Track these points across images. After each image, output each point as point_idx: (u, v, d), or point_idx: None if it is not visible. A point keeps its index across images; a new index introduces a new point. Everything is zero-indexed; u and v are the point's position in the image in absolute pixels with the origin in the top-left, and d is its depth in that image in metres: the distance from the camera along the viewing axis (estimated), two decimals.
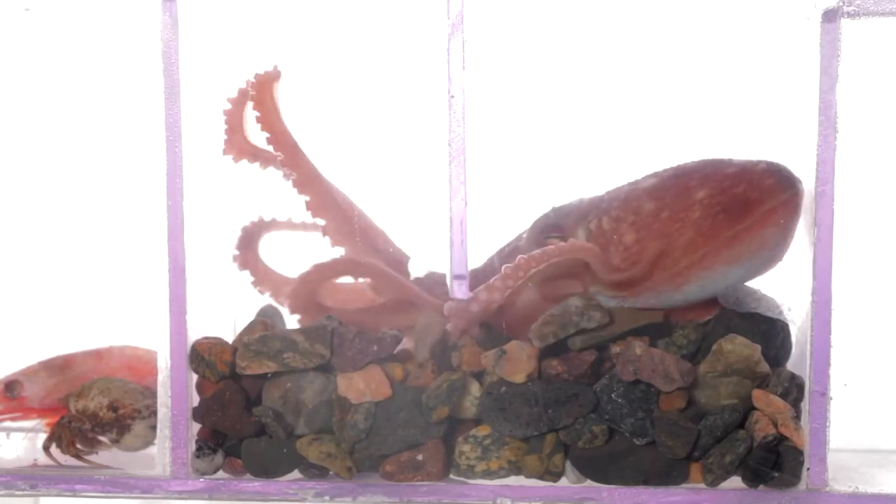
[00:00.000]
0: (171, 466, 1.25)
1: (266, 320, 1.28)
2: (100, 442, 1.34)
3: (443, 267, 1.25)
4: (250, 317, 1.30)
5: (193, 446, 1.25)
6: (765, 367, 1.18)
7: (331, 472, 1.23)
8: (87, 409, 1.32)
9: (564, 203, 1.29)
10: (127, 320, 1.46)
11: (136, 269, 1.39)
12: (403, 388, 1.21)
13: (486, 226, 1.26)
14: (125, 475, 1.26)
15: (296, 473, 1.24)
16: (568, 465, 1.20)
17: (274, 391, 1.24)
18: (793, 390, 1.18)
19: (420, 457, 1.21)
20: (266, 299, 1.42)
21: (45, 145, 1.56)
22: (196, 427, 1.26)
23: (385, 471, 1.22)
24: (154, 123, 1.23)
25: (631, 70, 1.39)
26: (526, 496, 1.19)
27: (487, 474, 1.21)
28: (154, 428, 1.30)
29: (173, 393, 1.25)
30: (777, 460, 1.16)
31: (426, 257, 1.36)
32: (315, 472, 1.23)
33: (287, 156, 1.31)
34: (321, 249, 1.33)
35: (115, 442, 1.33)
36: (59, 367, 1.40)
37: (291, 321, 1.32)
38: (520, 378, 1.19)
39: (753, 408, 1.18)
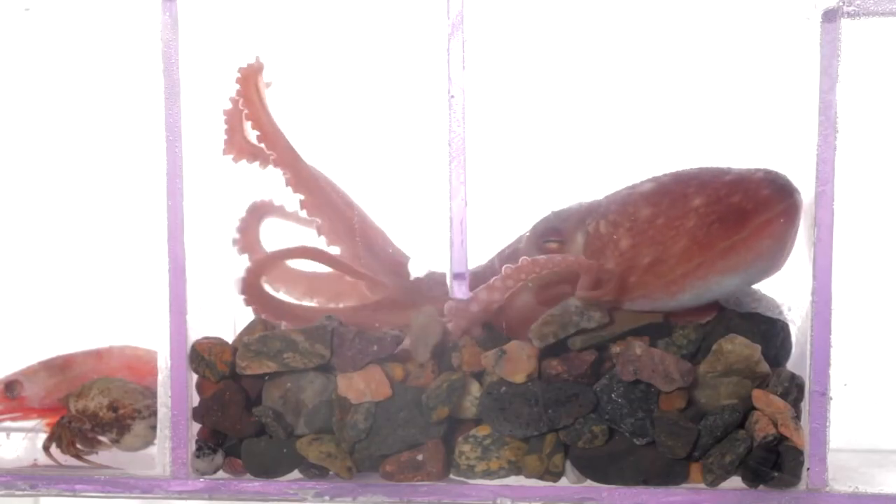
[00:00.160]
0: (171, 466, 1.25)
1: (266, 320, 1.28)
2: (100, 442, 1.34)
3: (443, 267, 1.25)
4: (250, 317, 1.30)
5: (193, 446, 1.25)
6: (765, 367, 1.18)
7: (331, 472, 1.23)
8: (87, 409, 1.32)
9: (564, 207, 1.29)
10: (127, 320, 1.46)
11: (136, 269, 1.38)
12: (403, 388, 1.21)
13: (486, 226, 1.26)
14: (125, 475, 1.26)
15: (296, 473, 1.24)
16: (568, 465, 1.20)
17: (274, 391, 1.24)
18: (793, 390, 1.18)
19: (420, 457, 1.21)
20: None
21: (46, 145, 1.56)
22: (196, 427, 1.26)
23: (385, 471, 1.22)
24: (154, 123, 1.23)
25: (631, 69, 1.39)
26: (526, 496, 1.19)
27: (487, 474, 1.21)
28: (154, 428, 1.30)
29: (173, 393, 1.25)
30: (777, 460, 1.16)
31: (426, 257, 1.36)
32: (315, 472, 1.23)
33: (278, 154, 1.32)
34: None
35: (115, 442, 1.33)
36: (59, 367, 1.40)
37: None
38: (520, 378, 1.19)
39: (753, 408, 1.18)
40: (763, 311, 1.22)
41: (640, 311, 1.21)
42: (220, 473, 1.26)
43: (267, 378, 1.25)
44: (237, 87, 1.31)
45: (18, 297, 1.58)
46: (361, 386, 1.21)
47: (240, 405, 1.24)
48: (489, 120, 1.26)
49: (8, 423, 1.40)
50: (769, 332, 1.20)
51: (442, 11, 1.18)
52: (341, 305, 1.43)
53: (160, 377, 1.25)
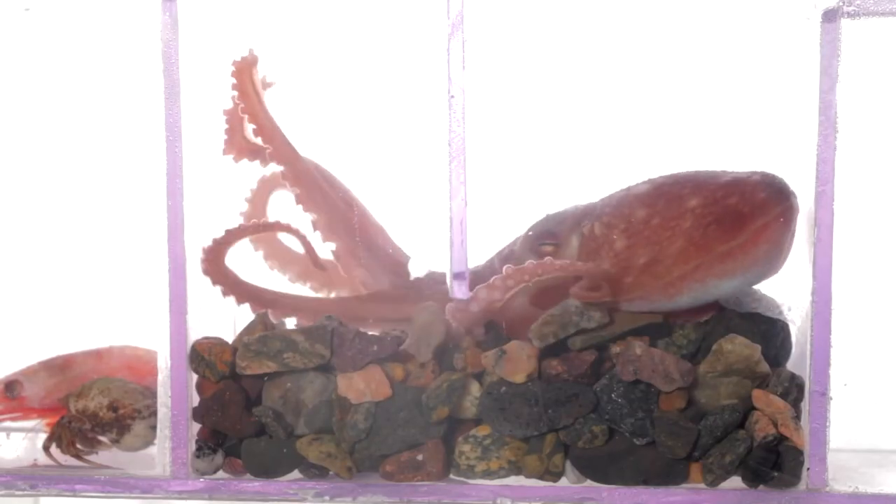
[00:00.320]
0: (171, 466, 1.25)
1: (266, 320, 1.28)
2: (100, 442, 1.34)
3: (443, 267, 1.25)
4: (250, 317, 1.29)
5: (193, 446, 1.25)
6: (765, 367, 1.18)
7: (331, 472, 1.23)
8: (87, 409, 1.32)
9: (560, 210, 1.29)
10: (127, 320, 1.46)
11: (136, 269, 1.38)
12: (403, 388, 1.21)
13: (486, 226, 1.26)
14: (125, 475, 1.26)
15: (296, 473, 1.24)
16: (568, 465, 1.20)
17: (274, 391, 1.24)
18: (793, 390, 1.18)
19: (420, 457, 1.21)
20: None
21: (46, 145, 1.56)
22: (196, 427, 1.26)
23: (385, 471, 1.22)
24: (154, 123, 1.23)
25: (631, 69, 1.39)
26: (526, 496, 1.19)
27: (487, 474, 1.21)
28: (154, 428, 1.30)
29: (173, 393, 1.25)
30: (777, 460, 1.16)
31: (426, 257, 1.36)
32: (315, 472, 1.23)
33: (274, 147, 1.32)
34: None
35: (115, 442, 1.33)
36: (59, 367, 1.40)
37: (291, 321, 1.32)
38: (520, 378, 1.19)
39: (753, 408, 1.18)
40: (763, 311, 1.22)
41: (640, 312, 1.21)
42: (220, 473, 1.26)
43: (267, 378, 1.25)
44: (232, 80, 1.31)
45: (18, 297, 1.58)
46: (361, 386, 1.21)
47: (240, 405, 1.24)
48: (489, 120, 1.26)
49: (8, 423, 1.40)
50: (769, 332, 1.20)
51: (442, 11, 1.18)
52: (332, 295, 1.43)
53: (160, 377, 1.25)
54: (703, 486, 1.18)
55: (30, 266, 1.59)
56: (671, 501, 1.18)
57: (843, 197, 1.15)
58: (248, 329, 1.27)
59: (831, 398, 1.16)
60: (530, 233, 1.29)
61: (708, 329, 1.20)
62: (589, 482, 1.20)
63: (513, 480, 1.21)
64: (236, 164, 1.38)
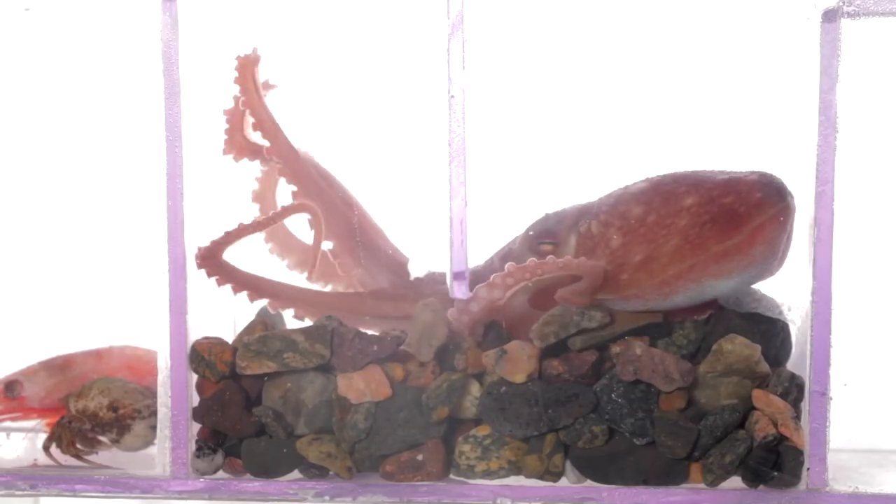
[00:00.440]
0: (171, 466, 1.25)
1: (266, 320, 1.28)
2: (100, 442, 1.34)
3: (443, 267, 1.25)
4: (250, 317, 1.29)
5: (193, 446, 1.25)
6: (765, 367, 1.18)
7: (331, 472, 1.23)
8: (87, 409, 1.32)
9: (558, 209, 1.29)
10: (127, 320, 1.46)
11: (136, 269, 1.38)
12: (403, 388, 1.21)
13: (486, 226, 1.26)
14: (125, 475, 1.26)
15: (296, 473, 1.24)
16: (568, 465, 1.20)
17: (274, 391, 1.24)
18: (793, 390, 1.18)
19: (420, 457, 1.21)
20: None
21: (46, 145, 1.56)
22: (196, 427, 1.26)
23: (385, 471, 1.22)
24: (154, 123, 1.23)
25: (631, 70, 1.39)
26: (526, 496, 1.19)
27: (487, 474, 1.21)
28: (154, 428, 1.30)
29: (173, 393, 1.25)
30: (777, 460, 1.16)
31: (426, 257, 1.36)
32: (315, 472, 1.23)
33: (272, 144, 1.32)
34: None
35: (115, 442, 1.33)
36: (59, 367, 1.40)
37: (291, 321, 1.32)
38: (520, 378, 1.19)
39: (753, 408, 1.18)
40: (763, 311, 1.22)
41: (640, 311, 1.21)
42: (220, 473, 1.26)
43: (267, 378, 1.25)
44: (235, 74, 1.31)
45: (18, 297, 1.58)
46: (361, 386, 1.21)
47: (240, 405, 1.24)
48: (489, 120, 1.26)
49: (8, 423, 1.40)
50: (769, 332, 1.20)
51: (442, 11, 1.18)
52: (328, 287, 1.43)
53: (160, 377, 1.25)
54: (703, 486, 1.18)
55: (30, 266, 1.59)
56: (671, 501, 1.18)
57: (843, 197, 1.15)
58: (248, 329, 1.27)
59: (831, 398, 1.16)
60: (530, 232, 1.29)
61: (708, 329, 1.20)
62: (589, 482, 1.20)
63: (513, 480, 1.21)
64: (236, 164, 1.38)
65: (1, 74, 1.51)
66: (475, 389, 1.21)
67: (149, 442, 1.33)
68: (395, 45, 1.37)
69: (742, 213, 1.15)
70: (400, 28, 1.31)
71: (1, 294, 1.57)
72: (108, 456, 1.34)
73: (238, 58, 1.32)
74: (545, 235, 1.27)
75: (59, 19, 1.36)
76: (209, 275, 1.27)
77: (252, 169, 1.41)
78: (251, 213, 1.44)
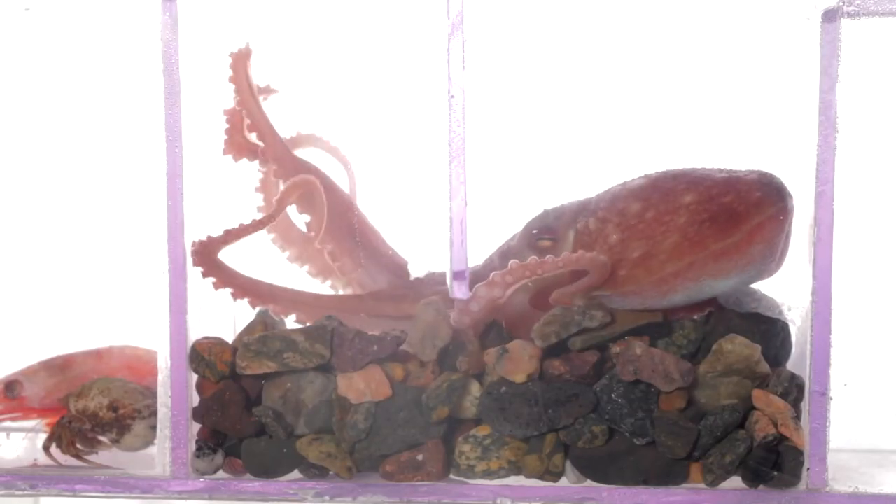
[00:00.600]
0: (171, 466, 1.25)
1: (266, 320, 1.28)
2: (100, 442, 1.34)
3: (443, 267, 1.25)
4: (250, 317, 1.29)
5: (193, 446, 1.25)
6: (765, 367, 1.18)
7: (331, 472, 1.23)
8: (87, 409, 1.32)
9: (556, 205, 1.29)
10: (127, 320, 1.46)
11: (137, 268, 1.38)
12: (403, 388, 1.21)
13: (486, 226, 1.26)
14: (125, 475, 1.26)
15: (296, 473, 1.24)
16: (568, 465, 1.20)
17: (274, 391, 1.24)
18: (793, 390, 1.18)
19: (420, 457, 1.21)
20: None
21: (46, 145, 1.56)
22: (196, 427, 1.26)
23: (385, 471, 1.22)
24: (154, 123, 1.23)
25: (631, 70, 1.39)
26: (526, 496, 1.19)
27: (487, 474, 1.21)
28: (154, 428, 1.30)
29: (173, 393, 1.25)
30: (777, 460, 1.16)
31: (425, 258, 1.36)
32: (315, 472, 1.23)
33: (266, 145, 1.32)
34: None
35: (115, 442, 1.33)
36: (59, 367, 1.40)
37: (292, 321, 1.32)
38: (520, 378, 1.19)
39: (753, 408, 1.18)
40: (763, 311, 1.22)
41: (640, 311, 1.21)
42: (220, 473, 1.26)
43: (267, 378, 1.25)
44: (229, 73, 1.31)
45: (18, 296, 1.58)
46: (361, 386, 1.21)
47: (240, 405, 1.24)
48: (489, 120, 1.26)
49: (8, 423, 1.40)
50: (769, 332, 1.20)
51: (442, 11, 1.18)
52: (328, 283, 1.42)
53: (160, 377, 1.25)
54: (703, 486, 1.18)
55: (30, 266, 1.59)
56: (671, 501, 1.18)
57: (843, 197, 1.15)
58: (248, 329, 1.27)
59: (831, 398, 1.17)
60: (528, 228, 1.29)
61: (708, 329, 1.20)
62: (589, 482, 1.20)
63: (513, 480, 1.21)
64: (236, 164, 1.38)
65: (1, 74, 1.51)
66: (475, 389, 1.21)
67: (149, 442, 1.33)
68: (395, 45, 1.37)
69: (741, 211, 1.15)
70: (400, 28, 1.31)
71: (1, 294, 1.57)
72: (108, 456, 1.34)
73: (231, 53, 1.31)
74: (544, 231, 1.27)
75: (59, 19, 1.36)
76: (204, 274, 1.26)
77: (252, 169, 1.41)
78: (252, 214, 1.44)
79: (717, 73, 1.37)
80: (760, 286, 1.24)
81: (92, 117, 1.52)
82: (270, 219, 1.31)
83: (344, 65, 1.43)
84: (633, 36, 1.34)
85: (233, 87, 1.32)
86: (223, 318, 1.33)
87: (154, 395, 1.28)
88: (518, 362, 1.19)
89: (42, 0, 1.29)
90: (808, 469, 1.17)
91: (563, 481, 1.21)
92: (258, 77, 1.36)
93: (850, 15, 1.15)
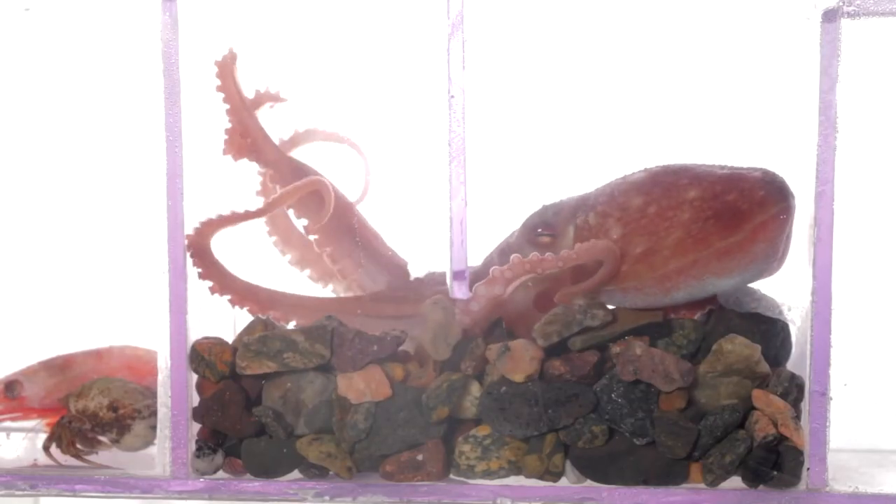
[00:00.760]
0: (171, 466, 1.25)
1: (266, 320, 1.28)
2: (100, 442, 1.34)
3: (442, 267, 1.25)
4: (250, 317, 1.29)
5: (193, 446, 1.25)
6: (765, 367, 1.18)
7: (331, 472, 1.23)
8: (87, 409, 1.32)
9: (555, 200, 1.29)
10: (127, 320, 1.46)
11: (137, 268, 1.38)
12: (403, 388, 1.21)
13: (486, 226, 1.26)
14: (125, 475, 1.26)
15: (296, 473, 1.24)
16: (568, 465, 1.20)
17: (274, 391, 1.24)
18: (793, 390, 1.18)
19: (420, 457, 1.21)
20: None
21: (45, 145, 1.56)
22: (196, 427, 1.26)
23: (385, 471, 1.22)
24: (154, 123, 1.23)
25: (631, 70, 1.39)
26: (526, 496, 1.19)
27: (487, 474, 1.21)
28: (154, 428, 1.30)
29: (173, 393, 1.25)
30: (777, 460, 1.16)
31: (426, 257, 1.36)
32: (315, 472, 1.23)
33: (260, 150, 1.31)
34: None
35: (115, 442, 1.33)
36: (59, 367, 1.40)
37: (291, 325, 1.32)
38: (519, 377, 1.18)
39: (753, 408, 1.18)
40: (763, 311, 1.22)
41: (641, 310, 1.21)
42: (220, 473, 1.26)
43: (267, 378, 1.25)
44: (217, 82, 1.31)
45: (18, 296, 1.58)
46: (361, 386, 1.21)
47: (240, 405, 1.24)
48: (489, 120, 1.26)
49: (8, 423, 1.40)
50: (769, 332, 1.20)
51: (442, 11, 1.18)
52: (329, 287, 1.42)
53: (160, 377, 1.25)
54: (703, 486, 1.18)
55: (30, 266, 1.59)
56: (671, 501, 1.18)
57: (843, 197, 1.15)
58: (248, 329, 1.27)
59: (831, 398, 1.17)
60: (527, 224, 1.29)
61: (708, 329, 1.20)
62: (589, 482, 1.20)
63: (513, 480, 1.21)
64: (236, 164, 1.37)
65: (1, 74, 1.51)
66: (475, 389, 1.21)
67: (149, 442, 1.33)
68: (395, 45, 1.37)
69: (745, 210, 1.15)
70: (400, 28, 1.31)
71: (1, 294, 1.57)
72: (108, 456, 1.34)
73: (216, 62, 1.30)
74: (543, 227, 1.27)
75: (59, 19, 1.36)
76: (200, 272, 1.26)
77: (253, 170, 1.41)
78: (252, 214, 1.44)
79: (717, 74, 1.37)
80: (760, 286, 1.24)
81: (92, 117, 1.52)
82: (269, 208, 1.30)
83: (344, 65, 1.43)
84: (633, 36, 1.34)
85: (222, 95, 1.31)
86: (223, 318, 1.33)
87: (154, 395, 1.28)
88: (519, 362, 1.19)
89: (42, 0, 1.29)
90: (808, 469, 1.17)
91: (563, 481, 1.21)
92: (258, 78, 1.36)
93: (850, 15, 1.15)
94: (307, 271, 1.43)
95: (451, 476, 1.23)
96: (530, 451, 1.20)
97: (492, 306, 1.21)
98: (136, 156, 1.31)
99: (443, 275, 1.24)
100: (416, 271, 1.37)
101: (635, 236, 1.19)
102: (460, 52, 1.18)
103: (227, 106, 1.31)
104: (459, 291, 1.21)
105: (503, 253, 1.29)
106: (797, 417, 1.17)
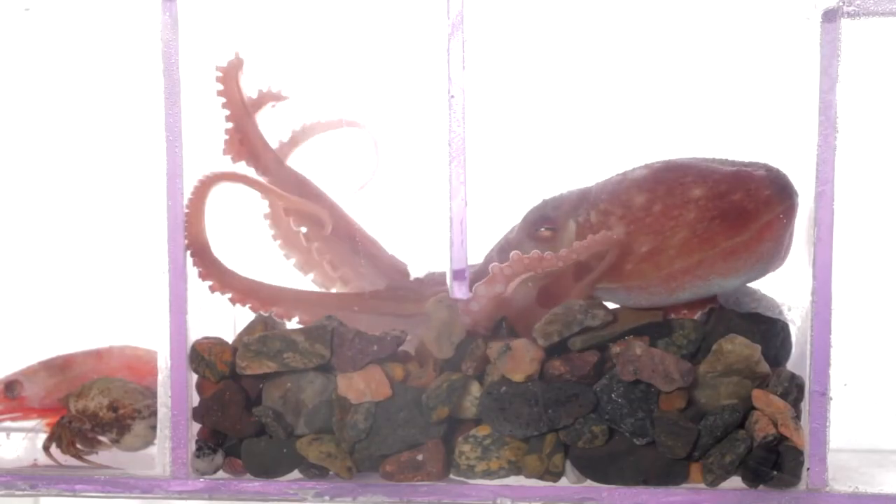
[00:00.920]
0: (171, 466, 1.25)
1: (266, 320, 1.28)
2: (100, 442, 1.34)
3: (442, 267, 1.25)
4: (250, 317, 1.30)
5: (193, 446, 1.25)
6: (765, 367, 1.18)
7: (331, 472, 1.23)
8: (87, 409, 1.32)
9: (555, 195, 1.29)
10: (127, 320, 1.46)
11: (136, 268, 1.38)
12: (403, 388, 1.21)
13: (486, 226, 1.26)
14: (125, 475, 1.26)
15: (296, 473, 1.24)
16: (568, 465, 1.20)
17: (274, 391, 1.24)
18: (793, 390, 1.18)
19: (420, 457, 1.21)
20: None
21: (45, 145, 1.56)
22: (196, 427, 1.26)
23: (385, 471, 1.22)
24: (154, 124, 1.23)
25: (631, 70, 1.39)
26: (526, 496, 1.19)
27: (487, 474, 1.21)
28: (154, 428, 1.30)
29: (173, 393, 1.25)
30: (777, 460, 1.16)
31: (426, 257, 1.36)
32: (315, 472, 1.23)
33: (259, 159, 1.31)
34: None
35: (115, 442, 1.33)
36: (59, 367, 1.40)
37: (293, 323, 1.32)
38: (518, 377, 1.18)
39: (753, 408, 1.18)
40: (763, 311, 1.22)
41: (641, 310, 1.21)
42: (220, 473, 1.26)
43: (267, 378, 1.25)
44: (219, 87, 1.30)
45: (18, 296, 1.58)
46: (361, 386, 1.21)
47: (240, 405, 1.24)
48: (489, 120, 1.26)
49: (8, 423, 1.40)
50: (769, 332, 1.20)
51: (442, 11, 1.18)
52: (333, 290, 1.42)
53: (160, 377, 1.25)
54: (703, 486, 1.18)
55: (30, 266, 1.59)
56: (671, 501, 1.18)
57: (843, 197, 1.15)
58: (248, 329, 1.27)
59: (831, 398, 1.16)
60: (527, 219, 1.28)
61: (708, 329, 1.20)
62: (589, 482, 1.20)
63: (513, 480, 1.21)
64: (235, 165, 1.38)
65: (1, 74, 1.51)
66: (475, 389, 1.21)
67: (149, 442, 1.33)
68: (395, 45, 1.37)
69: (751, 210, 1.15)
70: (400, 28, 1.31)
71: (1, 294, 1.57)
72: (108, 456, 1.34)
73: (220, 67, 1.30)
74: (543, 221, 1.26)
75: (59, 19, 1.36)
76: (201, 275, 1.26)
77: (252, 170, 1.41)
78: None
79: (717, 73, 1.37)
80: (760, 286, 1.24)
81: (92, 117, 1.52)
82: (265, 189, 1.30)
83: (344, 65, 1.43)
84: (634, 36, 1.34)
85: (223, 100, 1.31)
86: (223, 318, 1.33)
87: (154, 395, 1.28)
88: (519, 361, 1.19)
89: (42, 0, 1.29)
90: (808, 469, 1.17)
91: (563, 481, 1.21)
92: (258, 79, 1.36)
93: (850, 15, 1.15)
94: (311, 275, 1.43)
95: (451, 476, 1.23)
96: (530, 451, 1.20)
97: (493, 305, 1.21)
98: (137, 156, 1.31)
99: (443, 275, 1.24)
100: (417, 271, 1.37)
101: (640, 235, 1.19)
102: (460, 52, 1.18)
103: (228, 112, 1.31)
104: (459, 291, 1.20)
105: (503, 250, 1.28)
106: (797, 417, 1.17)
